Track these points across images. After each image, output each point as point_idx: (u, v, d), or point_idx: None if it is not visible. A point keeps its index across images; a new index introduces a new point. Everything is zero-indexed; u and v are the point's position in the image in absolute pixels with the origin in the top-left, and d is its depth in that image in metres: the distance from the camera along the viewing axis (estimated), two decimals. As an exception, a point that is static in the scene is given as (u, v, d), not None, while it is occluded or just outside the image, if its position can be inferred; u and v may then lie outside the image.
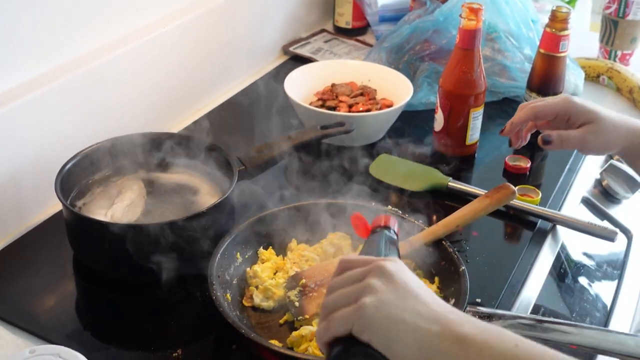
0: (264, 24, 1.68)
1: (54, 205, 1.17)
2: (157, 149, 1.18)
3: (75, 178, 1.12)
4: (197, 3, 1.45)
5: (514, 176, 1.31)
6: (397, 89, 1.45)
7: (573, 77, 1.55)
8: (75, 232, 1.05)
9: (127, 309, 1.01)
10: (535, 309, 1.05)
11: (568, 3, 1.95)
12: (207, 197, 1.13)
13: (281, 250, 1.07)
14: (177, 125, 1.45)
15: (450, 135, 1.35)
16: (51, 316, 1.00)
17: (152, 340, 0.95)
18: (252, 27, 1.62)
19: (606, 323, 1.10)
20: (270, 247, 1.06)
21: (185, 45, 1.43)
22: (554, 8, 1.33)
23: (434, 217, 1.16)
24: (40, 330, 0.95)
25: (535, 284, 1.08)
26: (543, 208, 1.20)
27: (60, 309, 1.02)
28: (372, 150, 1.37)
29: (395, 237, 0.85)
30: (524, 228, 1.20)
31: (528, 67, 1.46)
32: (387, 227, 0.85)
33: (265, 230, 1.06)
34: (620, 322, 1.12)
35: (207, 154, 1.17)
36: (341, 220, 1.08)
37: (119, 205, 1.10)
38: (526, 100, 1.40)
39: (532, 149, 1.40)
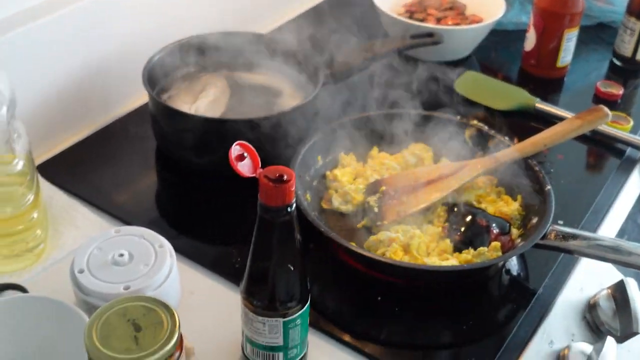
0: None
1: (140, 98, 1.18)
2: (244, 49, 1.16)
3: (161, 72, 1.12)
4: None
5: (605, 103, 1.24)
6: (487, 6, 1.40)
7: (676, 5, 1.46)
8: (160, 123, 1.06)
9: (207, 201, 1.02)
10: (619, 236, 1.02)
11: None
12: (289, 100, 1.12)
13: (362, 157, 1.06)
14: (264, 27, 1.43)
15: (541, 55, 1.30)
16: (133, 203, 1.02)
17: (230, 232, 0.97)
18: None
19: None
20: (352, 152, 1.06)
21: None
22: None
23: (517, 139, 1.13)
24: (123, 215, 0.98)
25: (619, 212, 1.05)
26: (633, 135, 1.16)
27: (141, 197, 1.03)
28: (458, 66, 1.34)
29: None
30: (612, 155, 1.16)
31: (628, -9, 1.39)
32: (288, 205, 0.67)
33: (347, 135, 1.05)
34: None
35: (293, 58, 1.15)
36: (424, 131, 1.07)
37: (203, 101, 1.10)
38: (624, 26, 1.34)
39: (625, 76, 1.35)
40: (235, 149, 0.69)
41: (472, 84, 1.28)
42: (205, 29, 1.16)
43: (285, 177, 0.66)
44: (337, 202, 0.98)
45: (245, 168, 0.69)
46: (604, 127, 1.15)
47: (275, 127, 1.00)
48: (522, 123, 1.22)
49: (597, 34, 1.48)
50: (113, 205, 0.99)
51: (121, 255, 0.80)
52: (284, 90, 1.15)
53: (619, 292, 0.88)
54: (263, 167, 0.69)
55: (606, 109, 1.02)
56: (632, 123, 1.19)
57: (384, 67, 1.20)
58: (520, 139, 1.04)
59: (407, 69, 1.22)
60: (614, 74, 1.36)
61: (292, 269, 0.71)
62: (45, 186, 1.00)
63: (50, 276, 0.89)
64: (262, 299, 0.71)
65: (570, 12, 1.26)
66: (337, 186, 1.00)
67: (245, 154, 0.69)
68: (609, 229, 1.02)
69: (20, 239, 0.87)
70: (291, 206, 0.68)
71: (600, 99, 1.28)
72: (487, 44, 1.40)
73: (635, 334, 0.85)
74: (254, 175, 0.68)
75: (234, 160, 0.68)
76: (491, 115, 1.21)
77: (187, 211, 1.01)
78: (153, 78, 1.09)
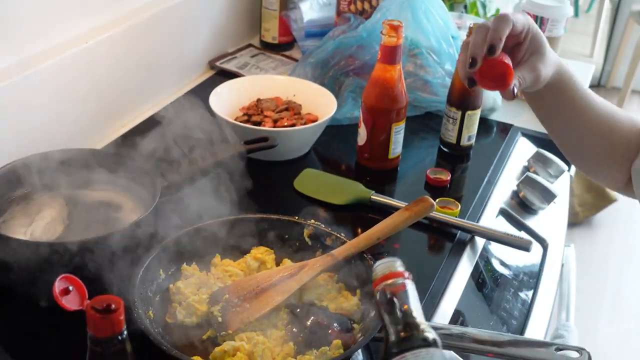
0: (190, 38, 1.68)
1: (-28, 224, 1.14)
2: (80, 165, 1.16)
3: (-8, 196, 1.10)
4: (121, 18, 1.44)
5: (436, 189, 1.35)
6: (321, 104, 1.47)
7: (492, 93, 1.60)
8: (-7, 251, 1.03)
9: (43, 330, 0.99)
10: (455, 318, 1.08)
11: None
12: (130, 214, 1.13)
13: (205, 266, 1.07)
14: (101, 141, 1.43)
15: (373, 149, 1.38)
16: (-33, 338, 0.98)
17: (71, 360, 0.94)
18: (177, 41, 1.62)
19: (522, 330, 1.14)
20: (194, 263, 1.06)
21: (109, 60, 1.41)
22: (472, 25, 1.38)
23: (358, 230, 1.18)
24: (-45, 353, 0.94)
25: (454, 294, 1.11)
26: (462, 220, 1.23)
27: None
28: (297, 164, 1.39)
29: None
30: (445, 239, 1.23)
31: (449, 81, 1.50)
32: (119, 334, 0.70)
33: (188, 246, 1.06)
34: (535, 329, 1.16)
35: (131, 171, 1.16)
36: (265, 235, 1.10)
37: (39, 223, 1.08)
38: (447, 115, 1.44)
39: (453, 161, 1.45)
40: (59, 284, 0.68)
41: (310, 181, 1.33)
42: (39, 148, 1.15)
43: (113, 307, 0.67)
44: (181, 316, 0.99)
45: (71, 302, 0.69)
46: (435, 214, 1.22)
47: (114, 244, 1.00)
48: (360, 216, 1.27)
49: (426, 122, 1.58)
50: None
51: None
52: (124, 205, 1.15)
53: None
54: (100, 291, 0.69)
55: (430, 200, 1.09)
56: (460, 207, 1.27)
57: (223, 172, 1.22)
58: (363, 230, 1.08)
59: (247, 172, 1.25)
60: (443, 160, 1.46)
61: None
62: None
63: None
64: None
65: (396, 108, 1.34)
66: (180, 299, 1.00)
67: (71, 287, 0.69)
68: (446, 311, 1.08)
69: None
70: (122, 334, 0.68)
71: (431, 185, 1.36)
72: (325, 139, 1.46)
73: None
74: (81, 307, 0.68)
75: (58, 296, 0.68)
76: (330, 211, 1.26)
77: (23, 343, 0.98)
78: (-15, 204, 1.06)
